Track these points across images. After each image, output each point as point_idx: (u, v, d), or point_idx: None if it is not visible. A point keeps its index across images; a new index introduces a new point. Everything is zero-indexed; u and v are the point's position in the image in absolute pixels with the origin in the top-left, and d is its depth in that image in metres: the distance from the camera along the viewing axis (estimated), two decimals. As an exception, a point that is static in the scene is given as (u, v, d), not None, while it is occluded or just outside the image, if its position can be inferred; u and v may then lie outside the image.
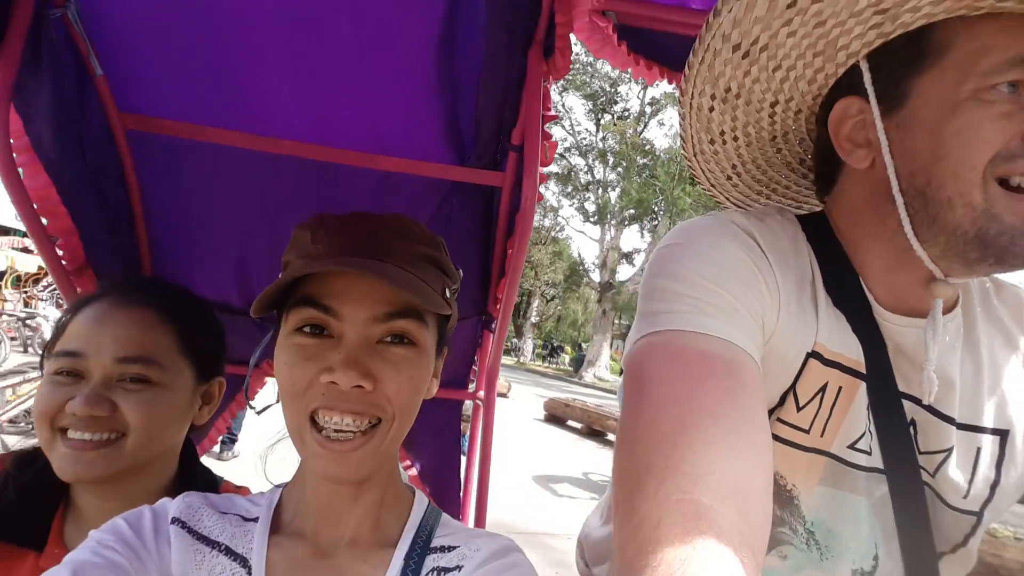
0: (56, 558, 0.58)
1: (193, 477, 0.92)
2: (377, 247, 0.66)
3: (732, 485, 0.46)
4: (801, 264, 0.69)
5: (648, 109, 25.55)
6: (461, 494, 1.56)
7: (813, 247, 0.70)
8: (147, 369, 0.81)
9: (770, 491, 0.51)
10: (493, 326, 1.47)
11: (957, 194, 0.59)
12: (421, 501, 0.75)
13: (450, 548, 0.68)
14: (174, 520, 0.65)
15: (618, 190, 25.74)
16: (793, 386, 0.67)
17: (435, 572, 0.66)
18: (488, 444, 1.43)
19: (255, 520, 0.69)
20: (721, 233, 0.67)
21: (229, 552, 0.65)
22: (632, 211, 24.12)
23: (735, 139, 0.75)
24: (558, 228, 32.55)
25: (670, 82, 1.26)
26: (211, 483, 0.95)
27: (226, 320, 1.37)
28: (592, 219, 26.60)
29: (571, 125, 28.84)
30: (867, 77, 0.63)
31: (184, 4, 1.03)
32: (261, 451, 0.91)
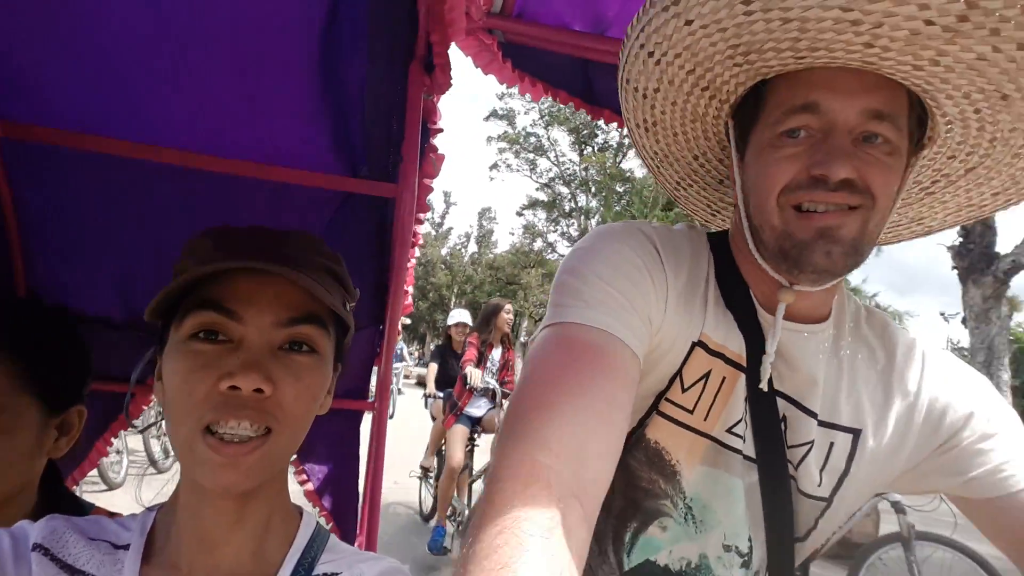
0: None
1: (57, 506, 0.84)
2: (283, 256, 0.65)
3: (571, 449, 0.55)
4: (698, 268, 0.79)
5: (626, 141, 26.45)
6: (360, 507, 1.54)
7: (714, 256, 0.82)
8: None
9: (610, 456, 0.60)
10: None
11: (764, 220, 0.72)
12: (308, 523, 0.72)
13: (332, 575, 0.67)
14: (36, 546, 0.61)
15: (597, 217, 26.47)
16: (680, 370, 0.77)
17: None
18: (380, 456, 1.42)
19: (126, 548, 0.65)
20: (623, 237, 0.77)
21: None
22: (609, 236, 25.35)
23: (666, 157, 0.89)
24: (548, 251, 33.41)
25: (553, 98, 1.30)
26: (78, 510, 0.88)
27: (106, 336, 1.36)
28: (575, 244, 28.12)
29: (556, 156, 30.41)
30: (732, 133, 0.79)
31: (66, 10, 1.00)
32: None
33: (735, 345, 0.77)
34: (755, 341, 0.77)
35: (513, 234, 47.26)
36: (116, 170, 1.22)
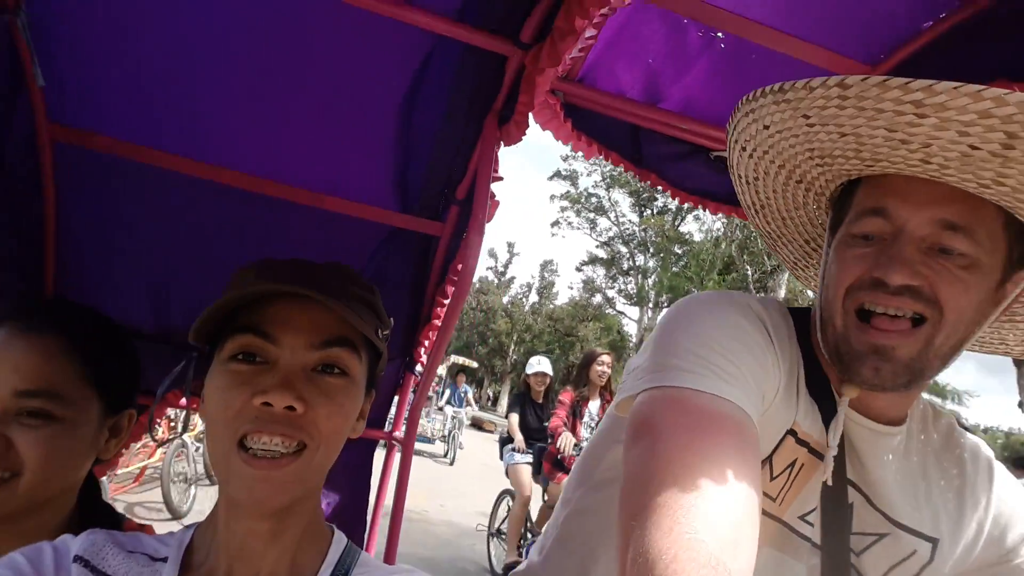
0: None
1: (93, 514, 0.85)
2: (318, 283, 0.67)
3: (732, 534, 0.51)
4: (793, 354, 0.78)
5: (686, 206, 26.88)
6: (366, 535, 1.54)
7: (799, 341, 0.80)
8: (49, 403, 0.74)
9: (756, 538, 0.55)
10: (417, 370, 1.50)
11: (829, 316, 0.73)
12: (340, 540, 0.74)
13: None
14: (76, 558, 0.63)
15: (653, 277, 26.67)
16: (771, 457, 0.75)
17: None
18: (404, 485, 1.42)
19: (163, 560, 0.66)
20: (738, 309, 0.75)
21: None
22: (665, 297, 26.23)
23: (780, 238, 0.92)
24: (606, 306, 34.34)
25: (606, 159, 1.35)
26: (113, 521, 0.88)
27: (136, 348, 1.41)
28: (632, 301, 29.40)
29: (616, 216, 31.50)
30: (827, 218, 0.80)
31: (144, 24, 1.02)
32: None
33: (818, 434, 0.76)
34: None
35: (572, 288, 47.38)
36: (166, 185, 1.23)
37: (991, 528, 0.80)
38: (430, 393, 13.61)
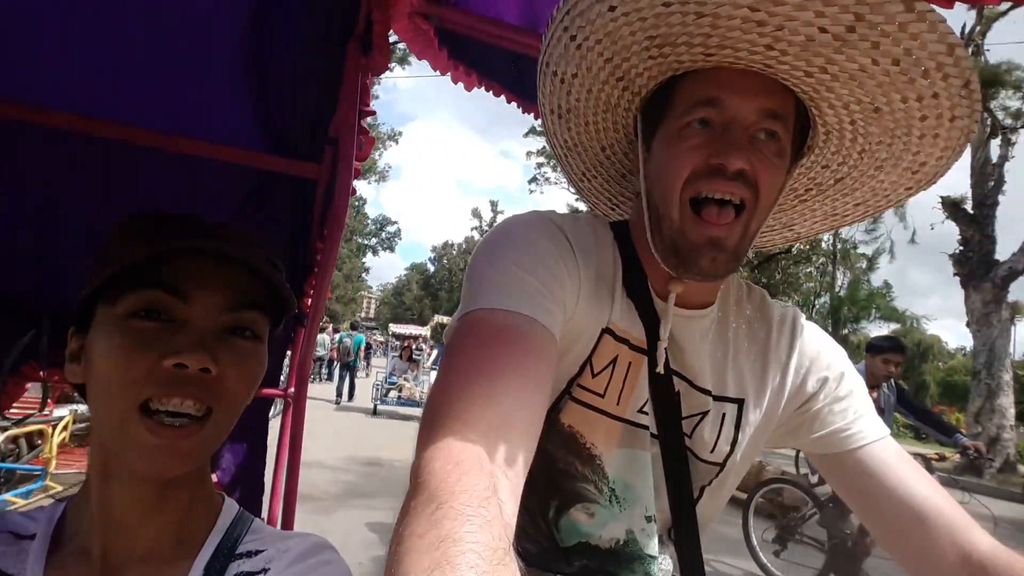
0: None
1: None
2: (232, 241, 0.65)
3: (496, 427, 0.57)
4: (604, 259, 0.83)
5: None
6: (268, 499, 1.49)
7: (619, 247, 0.85)
8: None
9: (533, 431, 0.62)
10: (305, 323, 1.43)
11: (665, 210, 0.77)
12: (231, 508, 0.72)
13: (256, 552, 0.66)
14: None
15: None
16: (589, 357, 0.81)
17: None
18: (298, 443, 1.38)
19: (31, 537, 0.63)
20: (537, 227, 0.79)
21: None
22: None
23: (575, 147, 0.91)
24: None
25: (486, 90, 1.30)
26: None
27: None
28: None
29: None
30: (640, 124, 0.82)
31: None
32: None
33: (637, 331, 0.82)
34: (653, 327, 0.82)
35: None
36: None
37: (793, 377, 0.88)
38: (417, 355, 13.54)
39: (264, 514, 1.47)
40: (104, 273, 0.61)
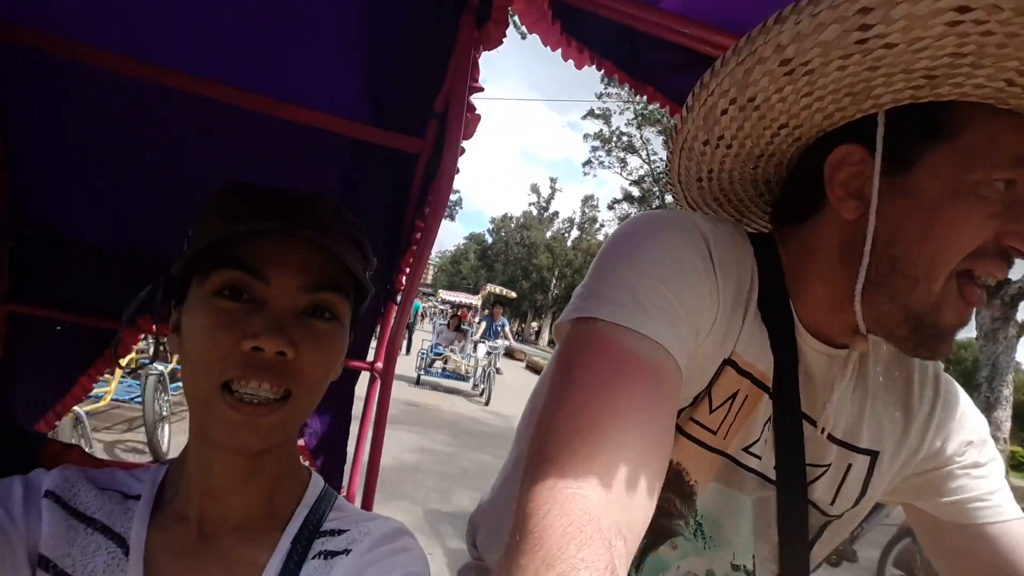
0: None
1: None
2: (311, 220, 0.65)
3: (621, 484, 0.50)
4: (742, 276, 0.72)
5: None
6: (349, 467, 1.52)
7: (758, 264, 0.73)
8: None
9: (656, 491, 0.54)
10: (398, 298, 1.43)
11: (924, 277, 0.62)
12: (317, 483, 0.74)
13: (340, 531, 0.68)
14: (47, 493, 0.62)
15: None
16: (708, 389, 0.71)
17: (322, 556, 0.65)
18: (383, 418, 1.38)
19: (136, 498, 0.66)
20: (683, 232, 0.69)
21: (106, 530, 0.62)
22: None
23: (728, 146, 0.75)
24: None
25: (598, 68, 1.23)
26: (25, 444, 0.86)
27: (96, 267, 1.27)
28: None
29: (647, 155, 32.94)
30: (880, 131, 0.63)
31: None
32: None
33: (764, 364, 0.72)
34: (787, 362, 0.73)
35: (605, 226, 47.77)
36: (114, 88, 1.10)
37: (933, 436, 0.80)
38: (464, 326, 13.48)
39: (344, 481, 1.51)
40: (192, 248, 0.63)
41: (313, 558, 0.65)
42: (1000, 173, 0.59)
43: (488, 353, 11.46)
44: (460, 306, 15.81)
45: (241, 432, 0.60)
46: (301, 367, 0.62)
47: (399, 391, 10.09)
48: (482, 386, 11.20)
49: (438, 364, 11.81)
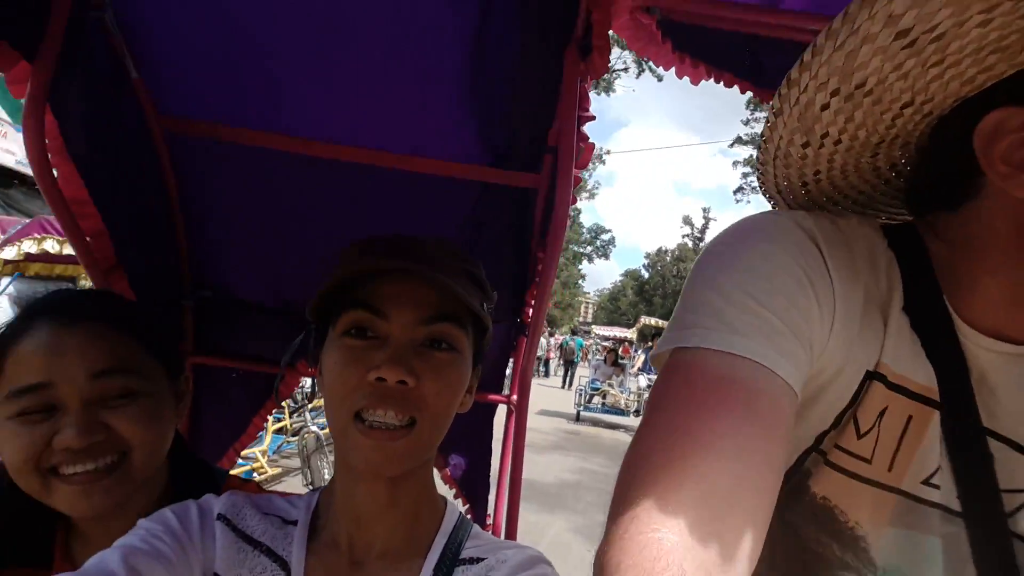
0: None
1: (188, 476, 0.89)
2: (423, 259, 0.69)
3: (708, 524, 0.44)
4: (875, 275, 0.62)
5: None
6: (493, 498, 1.54)
7: (898, 260, 0.63)
8: (127, 379, 0.75)
9: (758, 529, 0.47)
10: (527, 332, 1.44)
11: None
12: (453, 512, 0.77)
13: (478, 559, 0.70)
14: (220, 516, 0.69)
15: None
16: (853, 409, 0.62)
17: None
18: (520, 449, 1.39)
19: (294, 523, 0.71)
20: (776, 237, 0.61)
21: (270, 553, 0.67)
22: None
23: (836, 143, 0.64)
24: None
25: (716, 81, 1.18)
26: (211, 478, 0.91)
27: (261, 322, 1.44)
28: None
29: None
30: None
31: (216, 9, 1.04)
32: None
33: (923, 376, 0.61)
34: (954, 370, 0.61)
35: None
36: (262, 163, 1.26)
37: None
38: (622, 360, 13.54)
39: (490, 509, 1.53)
40: (318, 293, 0.68)
41: None
42: None
43: (649, 384, 11.20)
44: (618, 340, 15.60)
45: (372, 456, 0.64)
46: (423, 395, 0.65)
47: (560, 423, 10.62)
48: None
49: (596, 400, 11.78)
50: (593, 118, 1.21)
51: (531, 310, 1.39)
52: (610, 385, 12.02)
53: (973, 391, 0.61)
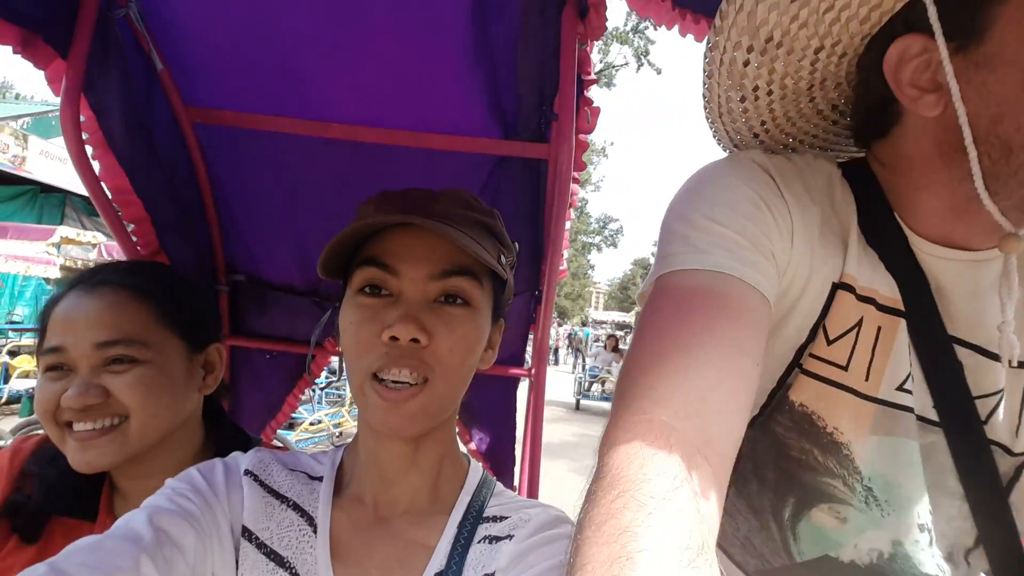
0: (108, 526, 0.62)
1: (223, 441, 0.93)
2: (437, 212, 0.68)
3: (692, 403, 0.49)
4: (829, 198, 0.68)
5: None
6: (517, 469, 1.55)
7: (852, 186, 0.69)
8: (128, 349, 0.80)
9: (739, 408, 0.53)
10: (543, 299, 1.45)
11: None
12: (476, 470, 0.77)
13: (502, 518, 0.70)
14: (247, 472, 0.69)
15: None
16: (822, 319, 0.67)
17: (486, 540, 0.67)
18: (538, 421, 1.41)
19: (320, 479, 0.72)
20: (734, 172, 0.67)
21: (297, 508, 0.68)
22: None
23: (769, 93, 0.70)
24: None
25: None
26: (246, 442, 0.96)
27: (292, 303, 1.50)
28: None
29: None
30: (932, 11, 0.55)
31: (236, 6, 1.09)
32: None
33: (886, 288, 0.66)
34: (913, 280, 0.65)
35: None
36: (285, 147, 1.32)
37: None
38: (623, 346, 13.08)
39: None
40: (324, 252, 0.67)
41: (478, 542, 0.67)
42: None
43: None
44: (617, 325, 15.17)
45: (388, 416, 0.63)
46: (437, 353, 0.64)
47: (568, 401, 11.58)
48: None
49: (596, 387, 11.59)
50: (596, 81, 1.22)
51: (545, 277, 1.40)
52: (609, 372, 11.65)
53: (934, 297, 0.65)
